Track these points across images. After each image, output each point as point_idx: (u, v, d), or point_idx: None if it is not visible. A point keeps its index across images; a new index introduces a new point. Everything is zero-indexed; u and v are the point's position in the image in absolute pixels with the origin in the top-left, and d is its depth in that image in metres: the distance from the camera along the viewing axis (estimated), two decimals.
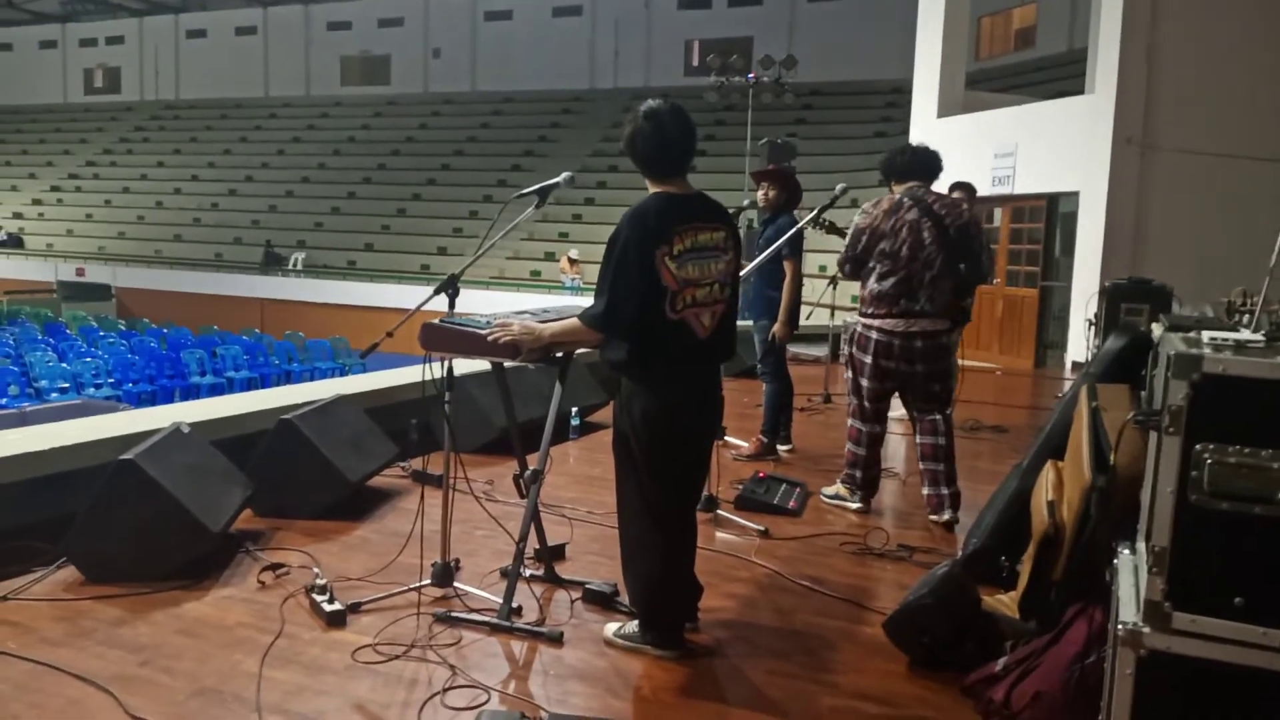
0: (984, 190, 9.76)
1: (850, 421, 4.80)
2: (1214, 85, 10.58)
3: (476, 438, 5.63)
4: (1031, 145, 11.72)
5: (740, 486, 4.94)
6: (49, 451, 3.85)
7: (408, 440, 5.76)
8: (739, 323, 3.19)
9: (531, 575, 3.63)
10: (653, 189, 3.05)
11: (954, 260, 4.51)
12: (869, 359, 4.63)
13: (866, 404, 4.71)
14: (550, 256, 22.67)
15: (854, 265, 4.66)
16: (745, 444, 6.06)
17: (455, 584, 3.47)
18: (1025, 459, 3.80)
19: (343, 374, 16.01)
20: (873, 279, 4.58)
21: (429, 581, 3.44)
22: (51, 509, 3.88)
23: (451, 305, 3.33)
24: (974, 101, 13.35)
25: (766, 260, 5.32)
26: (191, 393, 13.67)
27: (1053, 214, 11.75)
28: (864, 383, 4.68)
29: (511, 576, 3.28)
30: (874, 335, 4.58)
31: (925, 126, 13.26)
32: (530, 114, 29.13)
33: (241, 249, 27.01)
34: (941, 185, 4.89)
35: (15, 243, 29.48)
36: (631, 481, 3.04)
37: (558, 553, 3.92)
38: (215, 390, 13.96)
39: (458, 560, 3.60)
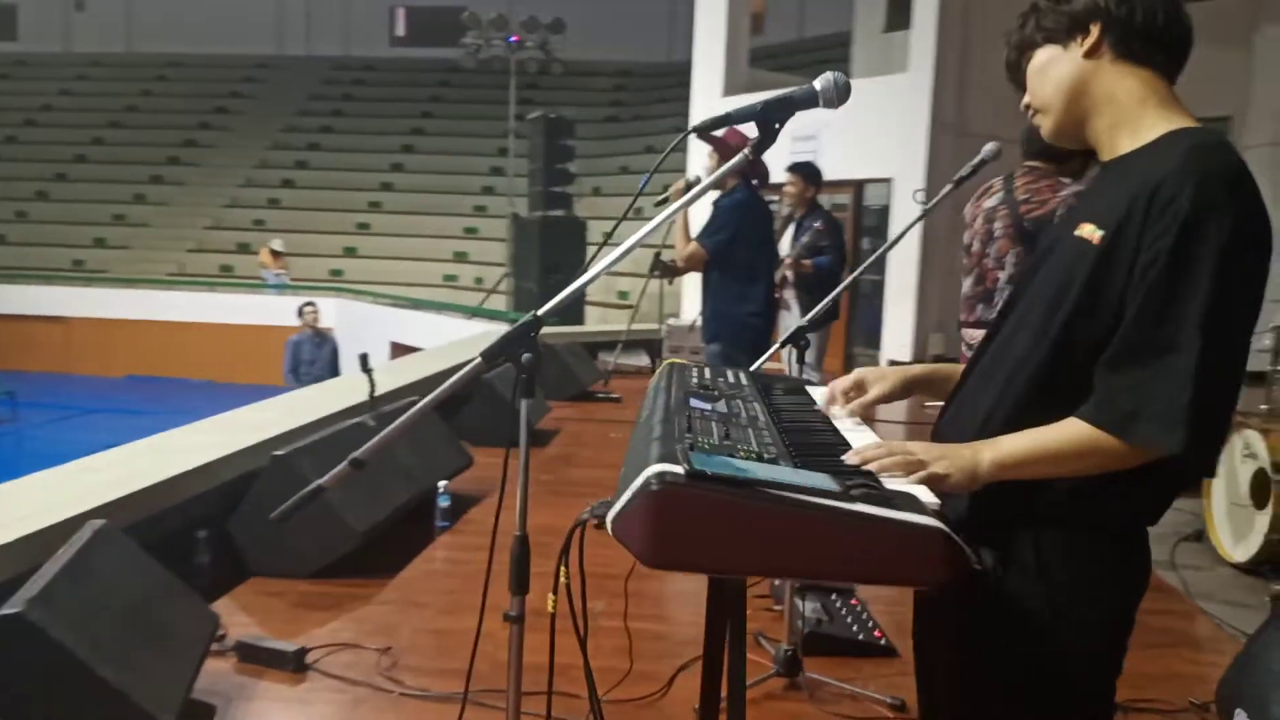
0: (779, 177, 8.64)
1: None
2: None
3: (321, 552, 3.45)
4: (835, 129, 10.85)
5: (779, 609, 3.25)
6: None
7: (193, 564, 3.47)
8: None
9: None
10: (1170, 123, 1.35)
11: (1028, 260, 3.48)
12: None
13: None
14: (245, 248, 19.26)
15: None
16: None
17: None
18: None
19: None
20: None
21: None
22: None
23: (526, 382, 1.37)
24: (758, 81, 12.37)
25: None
26: None
27: (859, 202, 11.03)
28: None
29: None
30: (964, 350, 3.84)
31: (710, 106, 12.10)
32: (204, 80, 24.89)
33: None
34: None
35: None
36: None
37: None
38: None
39: None
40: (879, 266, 10.66)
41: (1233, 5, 11.05)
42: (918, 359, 10.43)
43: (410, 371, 5.74)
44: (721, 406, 1.40)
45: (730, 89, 11.98)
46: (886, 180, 10.47)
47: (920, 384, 1.56)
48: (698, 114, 12.31)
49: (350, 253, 19.31)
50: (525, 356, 1.44)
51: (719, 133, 4.28)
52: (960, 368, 1.61)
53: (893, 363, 10.50)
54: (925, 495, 1.08)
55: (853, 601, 3.33)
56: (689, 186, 4.19)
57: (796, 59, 18.53)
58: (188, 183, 21.66)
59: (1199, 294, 1.18)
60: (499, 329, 10.33)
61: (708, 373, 1.72)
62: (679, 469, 0.96)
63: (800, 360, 2.72)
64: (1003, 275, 3.63)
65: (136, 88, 24.89)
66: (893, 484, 1.13)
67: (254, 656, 2.79)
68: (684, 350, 9.29)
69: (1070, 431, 1.24)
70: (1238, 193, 1.22)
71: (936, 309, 10.42)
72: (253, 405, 4.64)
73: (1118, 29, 1.35)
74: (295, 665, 2.76)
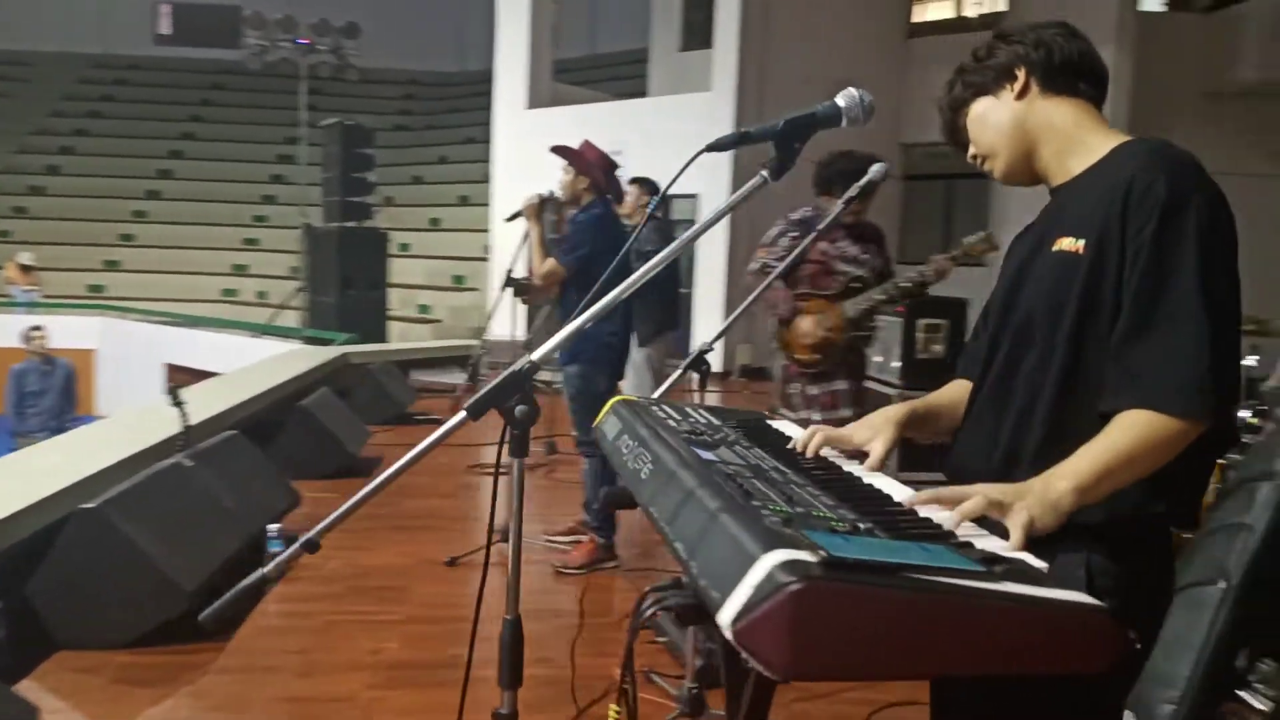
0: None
1: None
2: (818, 88, 10.68)
3: (142, 617, 3.01)
4: (642, 143, 10.94)
5: (665, 642, 3.16)
6: None
7: None
8: None
9: None
10: (1113, 140, 1.43)
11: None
12: None
13: None
14: None
15: None
16: (561, 542, 4.18)
17: None
18: (1235, 577, 2.56)
19: None
20: None
21: None
22: None
23: (520, 439, 1.17)
24: (562, 95, 12.31)
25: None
26: None
27: (666, 217, 11.16)
28: None
29: None
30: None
31: (515, 118, 11.92)
32: None
33: None
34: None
35: None
36: None
37: None
38: None
39: None
40: (687, 279, 10.83)
41: (979, 40, 12.03)
42: (727, 370, 10.66)
43: (219, 399, 5.20)
44: (730, 456, 1.25)
45: (535, 101, 11.85)
46: (693, 196, 10.64)
47: (908, 426, 1.51)
48: (502, 125, 12.09)
49: (113, 266, 17.62)
50: (519, 409, 1.22)
51: (576, 145, 4.16)
52: (937, 396, 1.60)
53: (715, 374, 10.67)
54: (1034, 561, 0.98)
55: None
56: (542, 201, 4.01)
57: (590, 74, 18.60)
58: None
59: (1190, 268, 1.24)
60: (295, 347, 9.65)
61: (673, 411, 1.56)
62: (808, 557, 0.80)
63: (703, 386, 2.62)
64: None
65: None
66: (980, 543, 1.02)
67: None
68: (502, 367, 9.06)
69: (1119, 429, 1.22)
70: (1203, 177, 1.30)
71: (744, 321, 10.68)
72: (41, 445, 4.04)
73: (1040, 68, 1.45)
74: None
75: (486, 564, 1.49)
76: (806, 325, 3.70)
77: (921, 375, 5.53)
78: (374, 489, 1.33)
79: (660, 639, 3.25)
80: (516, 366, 1.26)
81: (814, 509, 1.02)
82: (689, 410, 1.65)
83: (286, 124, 19.06)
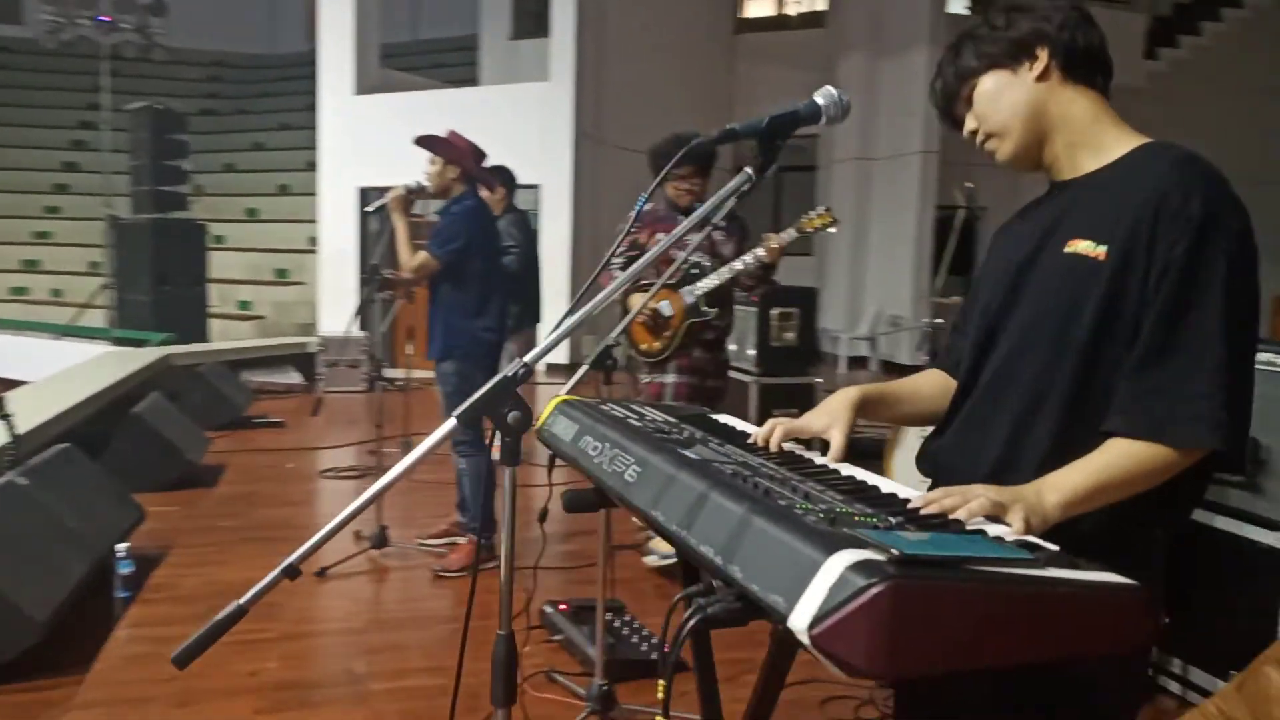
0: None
1: None
2: (650, 83, 10.79)
3: None
4: (480, 132, 10.73)
5: (561, 640, 3.15)
6: None
7: None
8: None
9: None
10: (1129, 139, 1.37)
11: None
12: None
13: None
14: None
15: None
16: (436, 546, 4.09)
17: None
18: None
19: None
20: None
21: None
22: None
23: (512, 446, 1.13)
24: (392, 81, 11.91)
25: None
26: None
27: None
28: None
29: None
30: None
31: (341, 104, 11.41)
32: None
33: None
34: None
35: None
36: None
37: None
38: None
39: None
40: None
41: (819, 36, 12.53)
42: (575, 361, 10.65)
43: (37, 409, 4.75)
44: (711, 454, 1.24)
45: (363, 87, 11.39)
46: (535, 186, 10.54)
47: (862, 409, 1.47)
48: (327, 111, 11.56)
49: None
50: (512, 415, 1.17)
51: (442, 134, 4.03)
52: (899, 383, 1.58)
53: (555, 365, 10.62)
54: (1049, 545, 1.02)
55: (627, 618, 3.27)
56: (409, 192, 3.87)
57: (414, 60, 18.07)
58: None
59: (1215, 296, 1.20)
60: (105, 350, 8.94)
61: (626, 410, 1.54)
62: (876, 556, 0.81)
63: (608, 382, 2.60)
64: None
65: None
66: (990, 531, 1.06)
67: None
68: (342, 364, 8.70)
69: (1118, 453, 1.21)
70: (1232, 194, 1.25)
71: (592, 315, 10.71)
72: None
73: (1063, 53, 1.37)
74: None
75: (475, 574, 1.43)
76: (637, 301, 3.53)
77: (776, 362, 5.71)
78: (362, 505, 1.25)
79: (555, 637, 3.22)
80: (507, 372, 1.21)
81: (835, 505, 1.03)
82: (638, 408, 1.64)
83: (79, 107, 17.67)
